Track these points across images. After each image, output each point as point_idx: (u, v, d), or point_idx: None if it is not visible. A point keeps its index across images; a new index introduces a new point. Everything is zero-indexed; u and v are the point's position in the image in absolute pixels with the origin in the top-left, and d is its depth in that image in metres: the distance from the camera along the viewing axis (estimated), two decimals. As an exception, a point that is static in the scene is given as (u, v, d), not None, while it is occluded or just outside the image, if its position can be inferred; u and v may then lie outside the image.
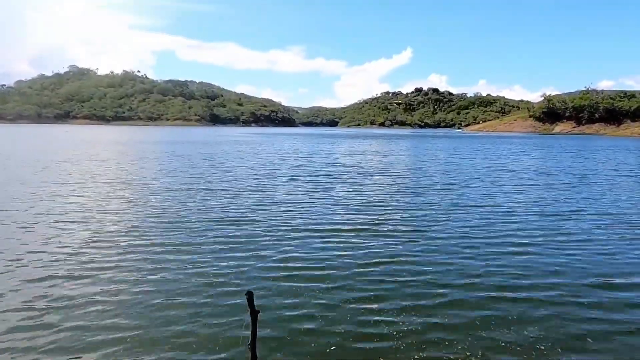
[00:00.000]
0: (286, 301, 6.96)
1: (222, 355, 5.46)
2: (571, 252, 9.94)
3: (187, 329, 6.02)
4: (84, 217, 12.34)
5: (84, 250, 9.35)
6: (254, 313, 3.28)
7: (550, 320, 6.50)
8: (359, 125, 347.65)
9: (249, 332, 3.40)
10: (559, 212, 14.26)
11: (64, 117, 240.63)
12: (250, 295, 3.19)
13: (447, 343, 5.80)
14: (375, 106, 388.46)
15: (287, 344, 5.72)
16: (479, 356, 5.50)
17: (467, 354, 5.54)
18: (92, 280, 7.69)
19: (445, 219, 13.01)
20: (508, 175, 25.26)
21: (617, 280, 8.22)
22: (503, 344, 5.78)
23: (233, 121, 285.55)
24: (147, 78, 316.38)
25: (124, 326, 6.07)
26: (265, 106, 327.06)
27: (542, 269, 8.74)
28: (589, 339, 5.95)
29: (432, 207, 14.98)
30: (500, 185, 20.69)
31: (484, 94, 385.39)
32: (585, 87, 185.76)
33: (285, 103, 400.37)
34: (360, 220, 12.78)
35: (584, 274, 8.52)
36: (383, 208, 14.71)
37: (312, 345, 5.70)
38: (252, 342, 3.36)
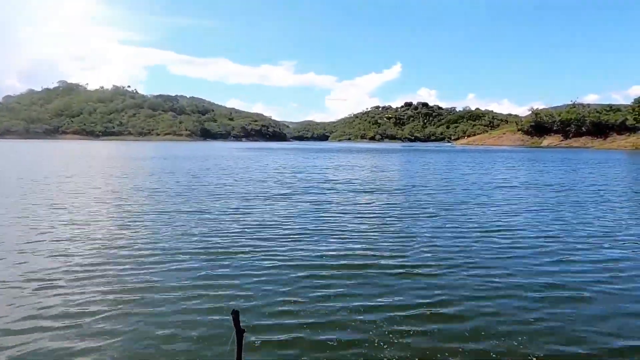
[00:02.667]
0: (278, 337, 6.59)
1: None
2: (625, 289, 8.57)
3: (174, 353, 6.04)
4: (57, 246, 11.51)
5: (58, 282, 8.72)
6: (240, 332, 3.29)
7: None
8: (349, 139, 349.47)
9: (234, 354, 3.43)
10: (591, 235, 13.47)
11: (53, 132, 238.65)
12: (235, 314, 3.21)
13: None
14: (365, 120, 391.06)
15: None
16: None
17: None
18: (70, 311, 7.37)
19: (467, 248, 11.68)
20: (515, 192, 25.13)
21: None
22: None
23: (224, 136, 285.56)
24: (138, 93, 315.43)
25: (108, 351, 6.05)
26: (256, 121, 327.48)
27: (603, 325, 7.02)
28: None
29: (448, 231, 13.96)
30: (513, 203, 20.17)
31: (473, 108, 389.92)
32: (571, 100, 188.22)
33: (276, 117, 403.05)
34: (367, 249, 11.41)
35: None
36: (391, 233, 13.71)
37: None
38: (238, 361, 3.33)
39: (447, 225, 14.83)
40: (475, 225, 14.95)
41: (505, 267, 9.98)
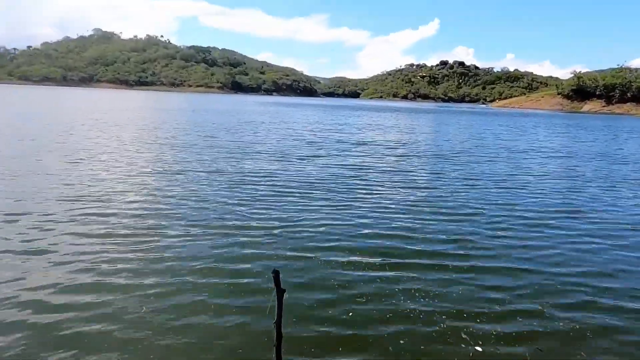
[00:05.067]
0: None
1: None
2: None
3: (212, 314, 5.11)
4: (74, 205, 10.34)
5: (75, 242, 7.90)
6: (280, 292, 3.31)
7: None
8: (381, 97, 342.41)
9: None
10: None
11: (89, 80, 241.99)
12: (276, 273, 3.24)
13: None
14: (398, 78, 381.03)
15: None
16: None
17: None
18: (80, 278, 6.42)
19: (539, 233, 9.70)
20: (571, 162, 22.78)
21: None
22: None
23: (255, 89, 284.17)
24: (170, 43, 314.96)
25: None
26: (287, 75, 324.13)
27: None
28: None
29: (509, 210, 11.98)
30: (575, 177, 18.00)
31: (512, 69, 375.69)
32: (617, 65, 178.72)
33: (306, 72, 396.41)
34: (415, 231, 9.48)
35: None
36: (441, 210, 11.60)
37: None
38: (278, 320, 3.39)
39: (506, 202, 12.72)
40: (538, 203, 12.83)
41: (594, 264, 8.02)
